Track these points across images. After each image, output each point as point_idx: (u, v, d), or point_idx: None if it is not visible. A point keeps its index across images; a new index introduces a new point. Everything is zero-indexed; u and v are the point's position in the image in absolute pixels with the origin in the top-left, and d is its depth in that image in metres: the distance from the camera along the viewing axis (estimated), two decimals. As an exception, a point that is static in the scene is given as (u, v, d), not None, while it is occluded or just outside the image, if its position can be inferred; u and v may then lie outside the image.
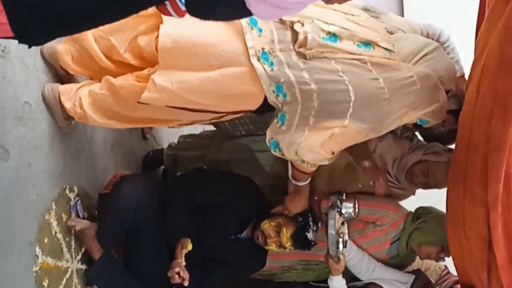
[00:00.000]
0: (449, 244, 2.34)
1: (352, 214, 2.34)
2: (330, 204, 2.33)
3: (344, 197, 2.37)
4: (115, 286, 2.39)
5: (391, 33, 2.26)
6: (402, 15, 3.74)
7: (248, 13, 1.30)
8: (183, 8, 1.36)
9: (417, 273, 2.59)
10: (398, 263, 2.61)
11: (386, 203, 2.57)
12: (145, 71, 2.00)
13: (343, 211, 2.32)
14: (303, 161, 2.07)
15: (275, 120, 1.98)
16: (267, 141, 2.03)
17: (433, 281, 2.77)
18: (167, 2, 1.37)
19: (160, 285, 2.37)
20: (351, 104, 1.89)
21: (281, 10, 1.28)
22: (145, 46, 1.98)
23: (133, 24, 2.01)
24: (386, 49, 2.03)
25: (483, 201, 1.91)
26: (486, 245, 1.97)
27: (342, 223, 2.36)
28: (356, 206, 2.34)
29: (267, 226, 2.34)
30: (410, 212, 2.65)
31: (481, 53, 1.92)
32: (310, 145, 1.98)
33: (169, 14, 1.42)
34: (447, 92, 2.19)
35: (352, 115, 1.91)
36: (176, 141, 3.19)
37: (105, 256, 2.30)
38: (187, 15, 1.39)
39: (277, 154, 2.06)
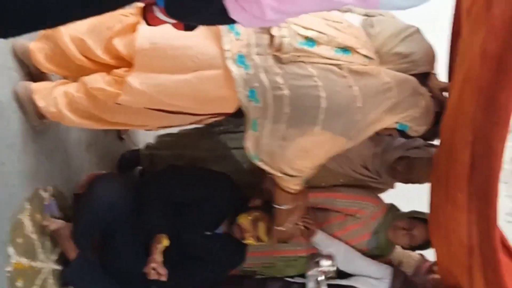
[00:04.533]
0: (433, 244, 2.37)
1: (331, 270, 2.31)
2: (308, 266, 2.31)
3: (321, 257, 2.33)
4: (92, 287, 2.37)
5: (372, 16, 2.27)
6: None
7: (231, 20, 1.30)
8: None
9: (393, 267, 2.60)
10: (377, 255, 2.63)
11: (366, 196, 2.59)
12: (121, 70, 1.98)
13: (322, 274, 2.28)
14: (284, 174, 2.05)
15: (249, 128, 1.98)
16: (246, 151, 2.02)
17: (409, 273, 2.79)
18: (155, 8, 1.37)
19: (137, 284, 2.36)
20: (322, 110, 1.89)
21: (262, 21, 1.27)
22: (122, 49, 1.97)
23: (108, 22, 2.00)
24: (366, 56, 2.02)
25: (464, 206, 1.91)
26: (467, 251, 1.98)
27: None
28: (335, 263, 2.32)
29: (244, 220, 2.35)
30: (390, 204, 2.66)
31: (463, 58, 1.93)
32: (287, 157, 1.98)
33: (161, 23, 1.41)
34: (426, 74, 2.20)
35: (323, 121, 1.91)
36: (152, 141, 3.17)
37: (81, 256, 2.28)
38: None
39: (260, 165, 2.05)
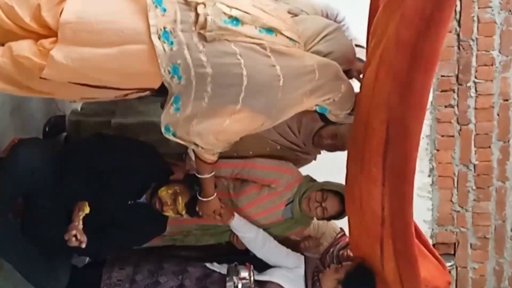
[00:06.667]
0: (348, 217, 2.49)
1: (249, 279, 2.40)
2: (226, 275, 2.41)
3: (240, 267, 2.42)
4: (12, 252, 2.35)
5: (296, 15, 2.34)
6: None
7: None
8: None
9: (305, 256, 2.69)
10: (292, 225, 2.72)
11: (281, 166, 2.66)
12: (48, 42, 1.93)
13: (240, 282, 2.38)
14: (197, 146, 2.10)
15: (169, 104, 1.99)
16: (161, 126, 2.04)
17: (327, 244, 2.91)
18: None
19: (58, 250, 2.38)
20: (243, 88, 1.93)
21: None
22: (50, 20, 1.92)
23: None
24: (290, 38, 2.07)
25: (378, 180, 2.02)
26: (380, 222, 2.11)
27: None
28: (252, 274, 2.41)
29: (164, 193, 2.42)
30: (306, 175, 2.75)
31: (380, 40, 2.01)
32: (199, 130, 2.01)
33: None
34: (345, 72, 2.26)
35: (244, 99, 1.95)
36: (79, 108, 3.14)
37: (1, 220, 2.27)
38: None
39: (171, 138, 2.07)
